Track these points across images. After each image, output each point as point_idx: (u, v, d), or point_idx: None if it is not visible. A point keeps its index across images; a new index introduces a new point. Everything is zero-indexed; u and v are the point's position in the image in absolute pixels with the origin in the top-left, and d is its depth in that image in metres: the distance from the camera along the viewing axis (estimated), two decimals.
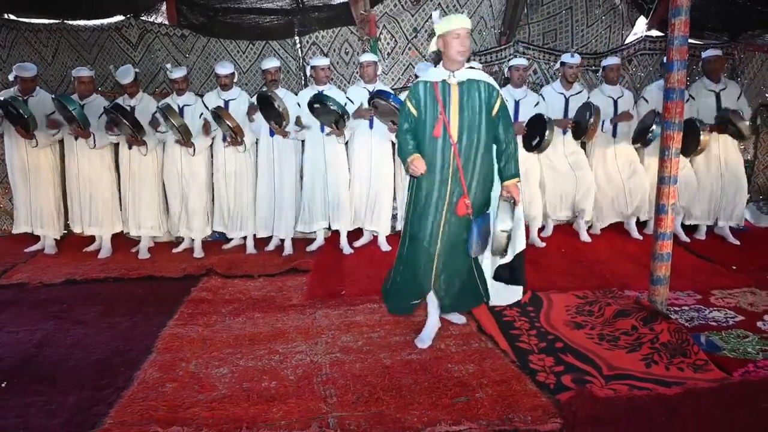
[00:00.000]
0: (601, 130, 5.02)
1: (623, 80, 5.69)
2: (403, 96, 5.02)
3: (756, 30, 6.00)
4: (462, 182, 2.99)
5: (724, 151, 5.16)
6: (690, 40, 3.55)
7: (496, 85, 3.05)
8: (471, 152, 3.00)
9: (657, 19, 5.65)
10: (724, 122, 4.87)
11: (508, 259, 3.22)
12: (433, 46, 3.07)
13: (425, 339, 3.16)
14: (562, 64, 5.04)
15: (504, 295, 3.45)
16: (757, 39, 6.02)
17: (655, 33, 5.87)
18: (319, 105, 4.61)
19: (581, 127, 4.86)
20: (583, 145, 5.31)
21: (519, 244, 3.23)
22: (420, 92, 3.06)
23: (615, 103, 5.09)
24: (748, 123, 4.86)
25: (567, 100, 5.06)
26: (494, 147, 3.11)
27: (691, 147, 4.78)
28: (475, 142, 2.99)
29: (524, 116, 4.88)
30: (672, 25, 3.11)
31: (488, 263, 3.34)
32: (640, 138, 4.96)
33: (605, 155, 5.23)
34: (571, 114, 5.01)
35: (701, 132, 4.74)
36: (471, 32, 3.00)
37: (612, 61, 5.15)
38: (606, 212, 5.29)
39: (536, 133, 4.76)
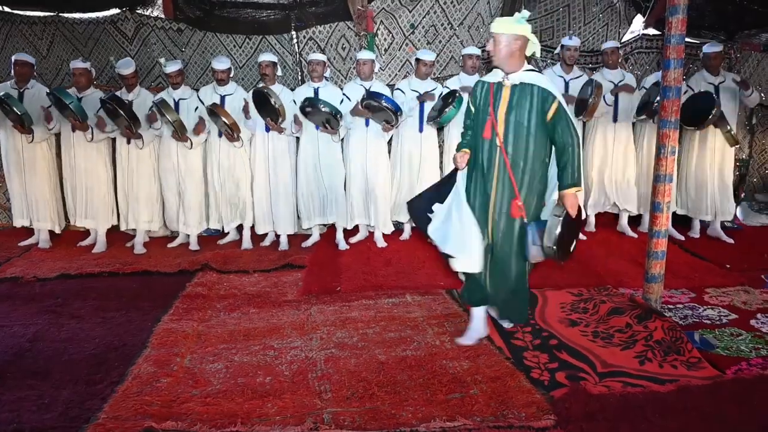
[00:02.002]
0: (606, 102, 5.06)
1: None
2: (401, 82, 5.09)
3: (752, 29, 6.01)
4: (513, 184, 2.94)
5: (721, 146, 5.19)
6: (687, 39, 3.56)
7: (555, 91, 2.93)
8: (519, 155, 2.94)
9: (654, 17, 5.65)
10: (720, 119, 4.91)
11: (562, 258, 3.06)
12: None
13: (466, 338, 3.14)
14: (562, 46, 5.07)
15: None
16: (753, 38, 6.03)
17: (652, 31, 5.87)
18: (310, 108, 4.61)
19: (583, 103, 4.86)
20: (583, 131, 5.32)
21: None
22: (478, 91, 3.08)
23: (615, 86, 5.12)
24: (728, 129, 4.94)
25: (567, 84, 5.08)
26: (552, 153, 3.04)
27: (701, 120, 4.81)
28: (524, 145, 2.93)
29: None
30: (669, 24, 3.11)
31: None
32: (646, 109, 4.96)
33: (605, 140, 5.26)
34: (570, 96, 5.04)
35: (714, 107, 4.73)
36: (516, 36, 2.89)
37: (611, 44, 5.19)
38: (596, 199, 5.33)
39: None
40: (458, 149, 3.14)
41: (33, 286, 4.19)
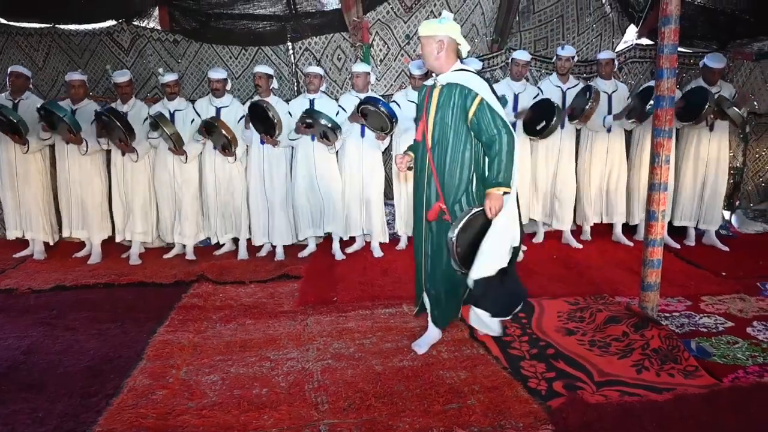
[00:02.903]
0: (604, 125, 5.10)
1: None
2: (397, 93, 5.12)
3: (744, 39, 6.07)
4: (437, 185, 2.97)
5: (715, 154, 5.22)
6: (680, 49, 3.59)
7: (476, 88, 2.86)
8: (443, 155, 2.96)
9: (647, 27, 5.71)
10: (720, 108, 4.91)
11: (469, 280, 2.87)
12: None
13: (421, 344, 3.16)
14: (556, 56, 5.11)
15: (480, 322, 3.18)
16: (746, 47, 6.09)
17: (645, 41, 5.92)
18: (310, 120, 4.62)
19: (579, 108, 4.89)
20: (577, 142, 5.35)
21: (486, 266, 2.81)
22: (420, 95, 3.13)
23: (609, 97, 5.15)
24: (738, 112, 4.90)
25: (564, 93, 5.11)
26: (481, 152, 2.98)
27: (695, 115, 4.83)
28: (449, 147, 2.93)
29: (523, 109, 4.95)
30: (662, 34, 3.14)
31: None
32: (636, 113, 4.98)
33: (597, 151, 5.29)
34: (567, 106, 5.08)
35: (708, 101, 4.74)
36: (439, 38, 2.92)
37: (606, 55, 5.20)
38: (591, 210, 5.36)
39: (542, 117, 4.75)
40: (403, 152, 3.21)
41: (28, 298, 4.16)
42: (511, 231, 2.88)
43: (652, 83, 4.30)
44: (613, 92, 5.18)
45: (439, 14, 5.44)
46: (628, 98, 5.24)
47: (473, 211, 2.83)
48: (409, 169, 3.21)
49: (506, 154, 2.80)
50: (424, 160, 3.04)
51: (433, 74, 3.06)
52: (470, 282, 2.86)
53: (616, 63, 5.34)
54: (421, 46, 3.00)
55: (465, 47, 2.99)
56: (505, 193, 2.79)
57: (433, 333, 3.23)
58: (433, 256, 3.09)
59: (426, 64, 3.03)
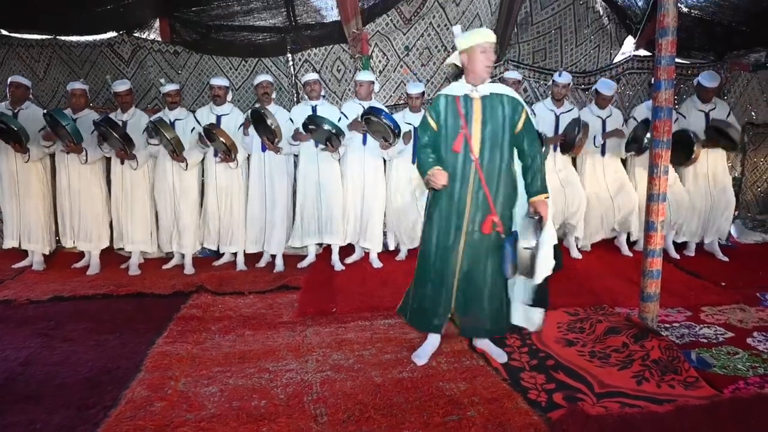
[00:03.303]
0: (594, 145, 5.09)
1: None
2: (396, 114, 5.12)
3: (741, 50, 6.11)
4: (488, 199, 2.91)
5: (712, 169, 5.23)
6: (677, 60, 3.61)
7: (521, 100, 2.96)
8: (494, 168, 2.92)
9: (645, 38, 5.75)
10: (716, 135, 4.92)
11: (537, 281, 2.98)
12: (455, 60, 2.99)
13: (421, 355, 3.14)
14: (553, 82, 5.11)
15: (525, 318, 3.19)
16: (743, 58, 6.14)
17: (642, 52, 5.96)
18: (313, 126, 4.64)
19: (569, 141, 4.91)
20: (573, 162, 5.36)
21: (547, 266, 2.93)
22: (441, 106, 2.97)
23: (603, 122, 5.16)
24: (736, 129, 4.93)
25: (557, 117, 5.12)
26: (517, 163, 3.04)
27: (683, 158, 4.83)
28: (498, 158, 2.92)
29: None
30: (659, 46, 3.16)
31: (521, 286, 3.14)
32: (634, 146, 5.02)
33: (594, 171, 5.29)
34: (561, 130, 5.07)
35: (695, 143, 4.77)
36: (493, 46, 2.94)
37: (608, 92, 5.12)
38: (594, 228, 5.33)
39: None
40: (425, 169, 2.93)
41: (26, 309, 4.15)
42: (553, 232, 2.99)
43: (650, 115, 4.30)
44: (608, 117, 5.19)
45: (438, 26, 5.53)
46: (622, 124, 5.23)
47: (536, 221, 2.90)
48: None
49: (543, 164, 2.99)
50: (465, 173, 2.93)
51: (471, 84, 2.94)
52: (536, 282, 2.95)
53: (615, 96, 5.27)
54: (488, 53, 2.88)
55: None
56: (546, 197, 2.96)
57: (433, 341, 3.21)
58: (473, 269, 2.99)
59: (485, 72, 2.91)
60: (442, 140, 2.98)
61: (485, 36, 2.89)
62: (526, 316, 3.16)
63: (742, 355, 3.20)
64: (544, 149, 4.68)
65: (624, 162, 5.46)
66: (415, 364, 3.08)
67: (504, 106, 2.92)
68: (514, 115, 2.92)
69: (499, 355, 3.16)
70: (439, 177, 2.87)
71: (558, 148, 5.11)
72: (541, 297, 3.04)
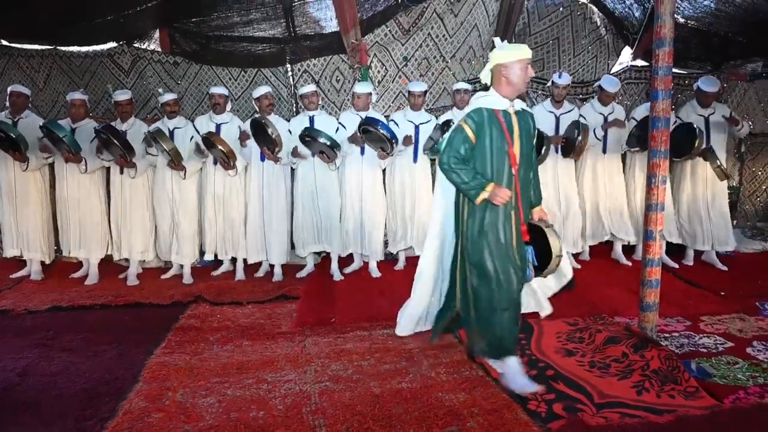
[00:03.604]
0: (596, 137, 5.11)
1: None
2: (396, 113, 5.15)
3: (737, 60, 6.15)
4: (520, 211, 2.98)
5: (712, 175, 5.24)
6: (674, 70, 3.63)
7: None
8: (526, 182, 3.01)
9: (642, 49, 5.79)
10: (710, 155, 4.97)
11: (556, 289, 3.33)
12: (486, 74, 2.97)
13: (524, 382, 2.90)
14: (552, 83, 5.15)
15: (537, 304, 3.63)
16: (740, 69, 6.17)
17: (640, 62, 6.00)
18: (310, 139, 4.66)
19: (570, 144, 4.93)
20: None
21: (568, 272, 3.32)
22: (484, 118, 2.88)
23: (605, 119, 5.19)
24: (718, 164, 4.98)
25: (557, 119, 5.14)
26: None
27: (686, 149, 4.84)
28: (526, 171, 3.00)
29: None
30: (656, 56, 3.18)
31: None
32: (633, 138, 5.06)
33: (595, 175, 5.31)
34: (562, 132, 5.09)
35: (697, 138, 4.76)
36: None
37: (612, 88, 5.14)
38: (590, 232, 5.36)
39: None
40: (477, 185, 2.84)
41: (24, 319, 4.14)
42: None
43: None
44: (610, 114, 5.21)
45: (436, 37, 5.57)
46: (624, 119, 5.27)
47: (553, 230, 3.07)
48: None
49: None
50: (510, 185, 2.91)
51: (507, 99, 2.93)
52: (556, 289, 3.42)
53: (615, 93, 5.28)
54: (525, 70, 2.88)
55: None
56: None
57: (516, 362, 2.98)
58: (519, 275, 2.99)
59: (521, 86, 2.92)
60: (480, 154, 2.90)
61: (526, 52, 2.93)
62: (538, 301, 3.45)
63: (742, 364, 3.19)
64: (544, 148, 4.72)
65: (623, 162, 5.49)
66: (414, 375, 3.05)
67: (530, 121, 3.01)
68: (533, 129, 3.04)
69: (529, 386, 3.04)
70: (504, 192, 2.81)
71: (559, 151, 5.12)
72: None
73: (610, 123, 5.11)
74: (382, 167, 5.09)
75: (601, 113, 5.19)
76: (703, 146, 4.87)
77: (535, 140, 3.07)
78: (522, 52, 2.90)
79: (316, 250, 5.19)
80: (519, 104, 3.01)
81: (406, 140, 4.89)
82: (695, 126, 4.84)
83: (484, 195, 2.84)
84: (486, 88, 3.03)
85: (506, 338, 2.94)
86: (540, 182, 3.19)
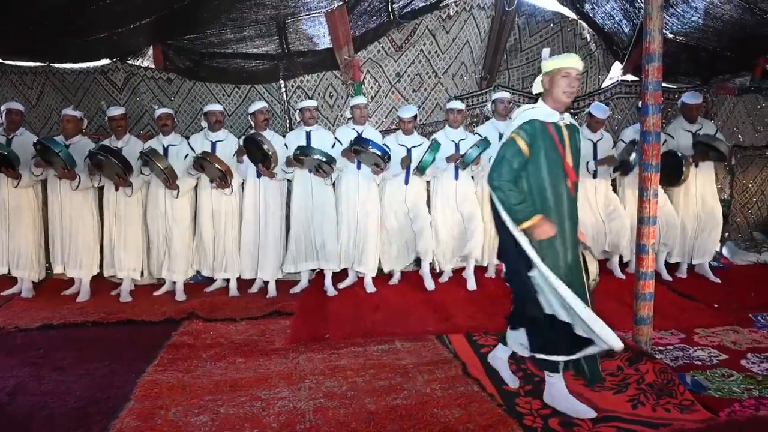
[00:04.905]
0: (588, 170, 5.13)
1: None
2: (388, 137, 5.16)
3: (726, 74, 6.23)
4: (577, 227, 2.87)
5: (701, 191, 5.29)
6: (664, 84, 3.68)
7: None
8: (579, 197, 2.94)
9: (632, 64, 5.85)
10: (704, 149, 4.99)
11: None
12: (537, 86, 2.87)
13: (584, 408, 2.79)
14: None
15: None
16: (728, 83, 6.25)
17: (630, 77, 6.06)
18: (303, 157, 4.68)
19: (625, 164, 4.97)
20: None
21: None
22: (537, 131, 2.72)
23: (594, 145, 5.21)
24: (726, 144, 5.01)
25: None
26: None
27: (673, 179, 4.89)
28: (580, 187, 2.94)
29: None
30: (646, 71, 3.22)
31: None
32: (620, 168, 5.12)
33: (586, 194, 5.32)
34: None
35: (684, 163, 4.84)
36: (580, 74, 2.80)
37: (601, 115, 5.17)
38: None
39: None
40: (523, 214, 2.65)
41: (14, 337, 4.09)
42: None
43: (637, 137, 4.41)
44: (599, 140, 5.24)
45: (429, 53, 5.62)
46: (612, 147, 5.31)
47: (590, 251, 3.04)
48: None
49: None
50: (565, 202, 2.78)
51: (557, 112, 2.80)
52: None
53: (605, 119, 5.31)
54: (570, 79, 2.74)
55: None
56: None
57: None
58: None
59: (563, 96, 2.75)
60: (533, 168, 2.74)
61: (571, 61, 2.75)
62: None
63: (736, 377, 3.19)
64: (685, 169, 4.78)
65: (614, 184, 5.51)
66: (409, 391, 3.03)
67: (577, 134, 2.90)
68: (580, 144, 2.92)
69: (511, 380, 3.12)
70: (548, 228, 2.63)
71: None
72: None
73: (601, 161, 5.12)
74: (377, 182, 5.10)
75: (590, 139, 5.21)
76: (689, 168, 4.92)
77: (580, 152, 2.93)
78: (562, 60, 2.74)
79: (311, 267, 5.17)
80: (568, 117, 2.89)
81: (403, 161, 4.90)
82: (677, 153, 4.89)
83: (528, 224, 2.64)
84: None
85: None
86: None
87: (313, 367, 3.42)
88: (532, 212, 2.66)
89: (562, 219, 2.75)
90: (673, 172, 4.81)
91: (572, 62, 2.74)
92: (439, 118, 5.69)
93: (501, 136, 5.01)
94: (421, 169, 4.83)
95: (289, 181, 5.22)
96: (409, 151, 5.02)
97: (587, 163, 5.10)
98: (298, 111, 5.10)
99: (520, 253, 2.71)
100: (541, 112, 2.79)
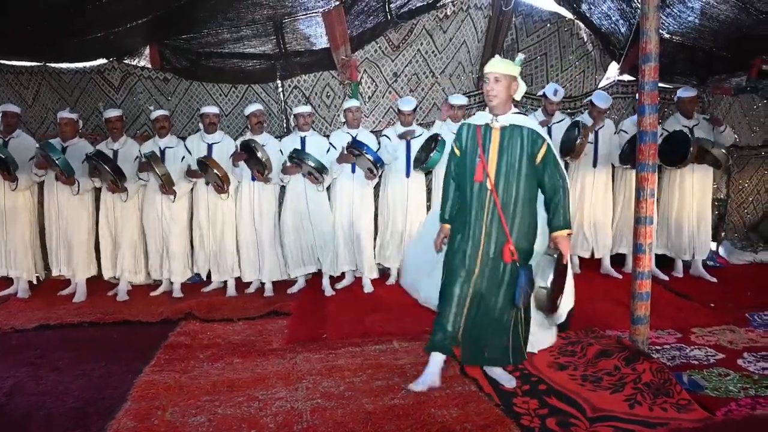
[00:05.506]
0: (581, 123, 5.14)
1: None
2: (388, 129, 5.17)
3: (722, 74, 6.24)
4: (504, 227, 2.94)
5: (699, 186, 5.30)
6: (660, 84, 3.68)
7: (544, 134, 2.96)
8: (510, 198, 2.95)
9: (628, 64, 5.86)
10: (701, 152, 5.00)
11: (561, 319, 3.19)
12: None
13: (419, 382, 3.07)
14: (545, 96, 5.20)
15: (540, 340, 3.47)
16: (724, 83, 6.26)
17: (626, 77, 6.07)
18: (297, 161, 4.68)
19: (569, 144, 4.94)
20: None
21: (569, 302, 3.18)
22: (463, 134, 3.08)
23: (596, 134, 5.24)
24: (722, 151, 5.02)
25: (549, 129, 5.19)
26: (540, 195, 3.08)
27: (677, 159, 4.91)
28: (515, 189, 2.95)
29: None
30: (642, 71, 3.22)
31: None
32: (630, 160, 5.08)
33: (584, 185, 5.35)
34: (553, 140, 5.12)
35: (690, 144, 4.82)
36: (501, 76, 2.92)
37: (603, 104, 5.18)
38: (577, 243, 5.41)
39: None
40: (444, 215, 3.19)
41: (10, 338, 4.08)
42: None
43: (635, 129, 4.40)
44: (600, 128, 5.27)
45: (426, 53, 5.62)
46: (615, 133, 5.33)
47: (555, 257, 2.90)
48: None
49: (568, 198, 2.97)
50: (481, 201, 2.98)
51: (492, 114, 2.99)
52: (561, 318, 3.23)
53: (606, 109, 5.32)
54: (488, 83, 2.93)
55: (522, 90, 3.04)
56: (569, 234, 2.95)
57: (432, 368, 3.12)
58: (485, 296, 3.04)
59: (492, 101, 2.93)
60: (462, 168, 3.09)
61: (487, 67, 2.99)
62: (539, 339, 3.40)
63: (733, 376, 3.20)
64: (690, 154, 4.76)
65: (613, 175, 5.55)
66: (407, 391, 3.03)
67: (523, 138, 2.94)
68: (533, 147, 2.93)
69: (507, 381, 3.13)
70: (438, 240, 3.21)
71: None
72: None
73: (591, 126, 5.14)
74: (371, 185, 5.11)
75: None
76: (695, 150, 4.91)
77: (540, 158, 2.93)
78: (487, 66, 2.99)
79: (307, 271, 5.17)
80: (511, 119, 2.95)
81: (406, 134, 4.94)
82: (686, 132, 4.91)
83: (442, 225, 3.21)
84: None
85: (436, 332, 3.14)
86: (563, 206, 2.94)
87: (310, 368, 3.42)
88: (444, 219, 3.19)
89: (476, 211, 3.00)
90: (678, 152, 4.83)
91: (488, 68, 2.98)
92: (436, 118, 5.69)
93: None
94: (427, 166, 4.85)
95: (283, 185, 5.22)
96: (408, 143, 5.02)
97: (581, 117, 5.16)
98: (293, 117, 5.10)
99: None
100: (478, 116, 3.08)
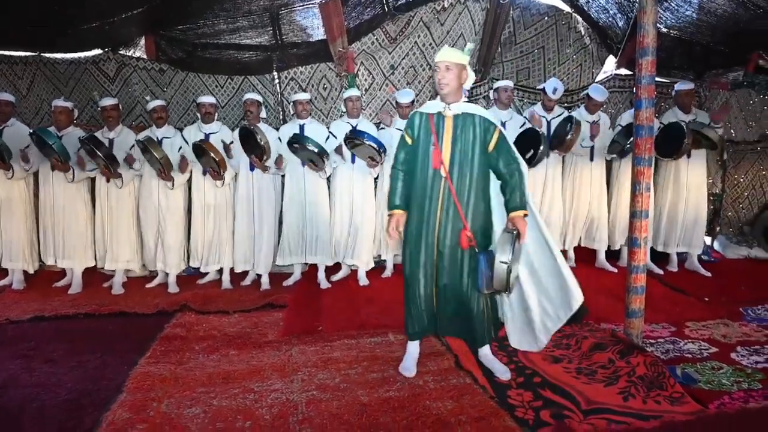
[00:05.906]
0: (581, 145, 5.16)
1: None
2: (383, 133, 5.15)
3: (719, 69, 6.25)
4: (460, 214, 2.99)
5: (694, 180, 5.32)
6: (657, 78, 3.68)
7: (495, 121, 3.04)
8: (464, 185, 3.00)
9: (625, 58, 5.85)
10: (696, 137, 5.01)
11: (563, 319, 3.16)
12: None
13: (408, 367, 3.17)
14: (544, 92, 5.20)
15: (526, 339, 3.40)
16: (721, 77, 6.26)
17: (623, 71, 6.07)
18: (297, 145, 4.65)
19: (560, 137, 4.97)
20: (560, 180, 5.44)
21: (576, 296, 3.08)
22: (415, 122, 3.10)
23: (592, 127, 5.23)
24: (716, 131, 5.03)
25: (549, 123, 5.19)
26: (495, 182, 3.13)
27: (672, 150, 4.93)
28: (468, 176, 2.99)
29: (510, 137, 4.99)
30: (639, 65, 3.22)
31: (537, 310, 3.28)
32: (616, 146, 5.14)
33: (581, 180, 5.36)
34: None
35: (686, 134, 4.84)
36: (452, 65, 2.96)
37: (599, 97, 5.18)
38: (570, 235, 5.44)
39: (529, 146, 4.82)
40: (391, 202, 3.14)
41: (5, 329, 4.06)
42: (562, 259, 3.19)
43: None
44: (596, 122, 5.27)
45: (423, 45, 5.59)
46: (609, 128, 5.34)
47: (513, 236, 2.91)
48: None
49: (523, 181, 3.04)
50: (436, 189, 3.01)
51: (444, 102, 3.02)
52: (577, 306, 3.11)
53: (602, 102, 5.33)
54: (439, 72, 2.97)
55: (471, 79, 3.07)
56: (525, 215, 3.01)
57: (413, 350, 3.27)
58: (450, 284, 3.09)
59: (444, 89, 2.97)
60: (414, 156, 3.10)
61: (438, 56, 3.02)
62: (526, 339, 3.37)
63: (726, 370, 3.22)
64: (543, 146, 4.74)
65: (610, 168, 5.57)
66: (402, 383, 3.05)
67: (475, 125, 3.00)
68: (485, 135, 3.01)
69: (502, 373, 3.14)
70: (393, 228, 3.10)
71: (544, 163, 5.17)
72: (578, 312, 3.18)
73: (595, 126, 5.15)
74: (373, 176, 5.09)
75: (587, 121, 5.24)
76: (690, 140, 4.93)
77: (493, 145, 3.00)
78: (438, 55, 3.02)
79: (303, 261, 5.17)
80: (463, 108, 3.00)
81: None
82: (681, 125, 4.92)
83: (390, 212, 3.15)
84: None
85: (408, 320, 3.24)
86: (520, 188, 3.01)
87: (306, 360, 3.43)
88: (397, 205, 3.13)
89: (430, 199, 3.02)
90: (673, 143, 4.86)
91: (438, 56, 3.00)
92: None
93: (504, 125, 5.05)
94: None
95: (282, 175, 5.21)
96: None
97: (582, 140, 5.13)
98: (291, 104, 5.08)
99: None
100: (429, 105, 3.11)
